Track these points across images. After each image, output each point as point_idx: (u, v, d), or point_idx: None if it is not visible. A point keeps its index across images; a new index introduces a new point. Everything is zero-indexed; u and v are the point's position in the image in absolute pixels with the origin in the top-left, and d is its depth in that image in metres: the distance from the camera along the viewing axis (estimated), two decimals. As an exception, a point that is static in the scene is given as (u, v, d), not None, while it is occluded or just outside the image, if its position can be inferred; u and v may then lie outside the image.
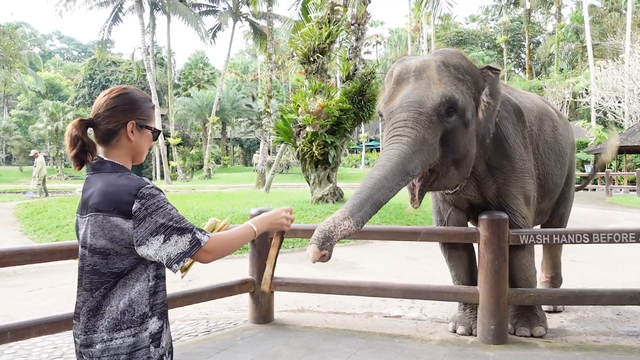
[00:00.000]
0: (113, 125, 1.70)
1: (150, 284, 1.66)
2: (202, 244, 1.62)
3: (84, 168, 1.73)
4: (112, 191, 1.60)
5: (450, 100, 3.07)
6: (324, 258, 2.46)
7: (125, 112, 1.72)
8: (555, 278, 4.94)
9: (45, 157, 25.78)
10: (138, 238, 1.57)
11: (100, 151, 1.73)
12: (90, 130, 1.73)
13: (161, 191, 1.66)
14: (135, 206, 1.56)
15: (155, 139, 1.85)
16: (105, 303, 1.60)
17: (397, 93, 3.23)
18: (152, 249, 1.57)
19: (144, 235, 1.56)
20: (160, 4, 33.09)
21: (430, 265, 6.82)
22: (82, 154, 1.67)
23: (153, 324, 1.65)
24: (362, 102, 11.40)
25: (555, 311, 4.60)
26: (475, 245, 3.92)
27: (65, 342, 3.97)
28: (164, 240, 1.57)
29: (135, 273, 1.63)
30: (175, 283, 3.56)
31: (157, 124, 1.92)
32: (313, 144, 11.11)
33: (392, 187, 2.83)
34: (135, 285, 1.63)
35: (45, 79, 50.76)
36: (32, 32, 64.01)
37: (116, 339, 1.58)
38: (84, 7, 30.05)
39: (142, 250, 1.58)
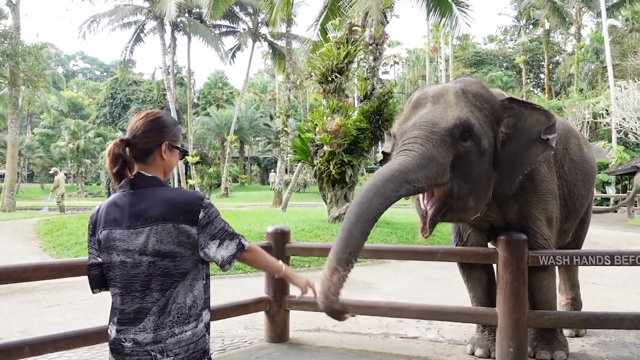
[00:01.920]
0: (150, 145, 1.95)
1: (204, 281, 1.93)
2: (245, 248, 1.94)
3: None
4: (180, 202, 1.85)
5: (465, 123, 3.03)
6: (343, 315, 2.49)
7: (160, 134, 1.98)
8: (575, 300, 4.84)
9: (65, 174, 26.20)
10: (201, 242, 1.85)
11: (136, 168, 1.94)
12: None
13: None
14: (201, 215, 1.84)
15: (182, 157, 2.11)
16: (172, 301, 1.82)
17: (412, 115, 3.22)
18: (212, 251, 1.86)
19: (205, 240, 1.85)
20: (181, 25, 33.66)
21: (448, 286, 6.74)
22: (122, 170, 1.90)
23: (206, 315, 1.92)
24: (380, 122, 11.42)
25: (577, 335, 4.50)
26: (495, 266, 3.87)
27: (82, 358, 3.99)
28: (219, 245, 1.86)
29: (195, 272, 1.88)
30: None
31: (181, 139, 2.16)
32: (330, 163, 11.12)
33: (387, 195, 2.74)
34: (195, 283, 1.88)
35: (68, 98, 51.84)
36: (56, 52, 65.50)
37: (186, 331, 1.82)
38: (107, 29, 30.61)
39: (204, 252, 1.86)
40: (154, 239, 1.80)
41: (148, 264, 1.81)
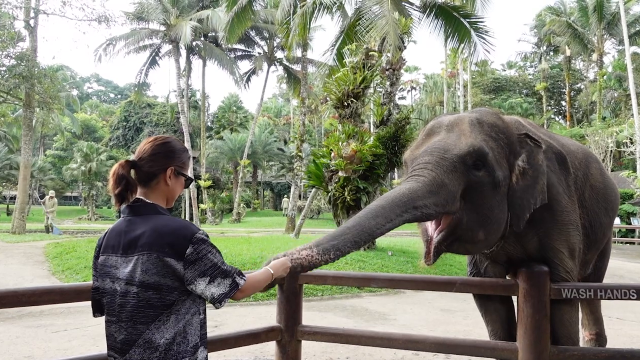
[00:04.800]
0: (155, 169, 1.94)
1: (201, 316, 1.89)
2: (240, 287, 1.88)
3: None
4: (168, 233, 1.80)
5: (479, 152, 3.01)
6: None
7: (167, 158, 1.97)
8: (599, 336, 4.73)
9: (76, 197, 26.38)
10: (188, 278, 1.79)
11: (139, 192, 1.93)
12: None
13: (207, 236, 1.89)
14: (188, 250, 1.78)
15: (187, 186, 2.08)
16: (159, 335, 1.77)
17: (425, 143, 3.21)
18: (200, 288, 1.80)
19: (193, 276, 1.79)
20: (196, 48, 34.27)
21: (465, 318, 6.65)
22: (125, 192, 1.89)
23: (201, 353, 1.87)
24: (396, 148, 11.44)
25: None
26: (514, 299, 3.81)
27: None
28: (209, 282, 1.80)
29: (185, 306, 1.82)
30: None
31: (189, 167, 2.13)
32: (345, 189, 11.13)
33: (391, 218, 2.73)
34: (186, 317, 1.82)
35: (81, 120, 52.69)
36: (72, 74, 66.87)
37: None
38: (123, 52, 31.23)
39: (191, 288, 1.81)
40: (140, 269, 1.77)
41: (134, 295, 1.78)
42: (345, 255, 2.66)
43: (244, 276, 1.92)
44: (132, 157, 1.98)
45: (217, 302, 1.82)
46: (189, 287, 1.80)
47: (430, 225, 3.13)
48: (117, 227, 1.91)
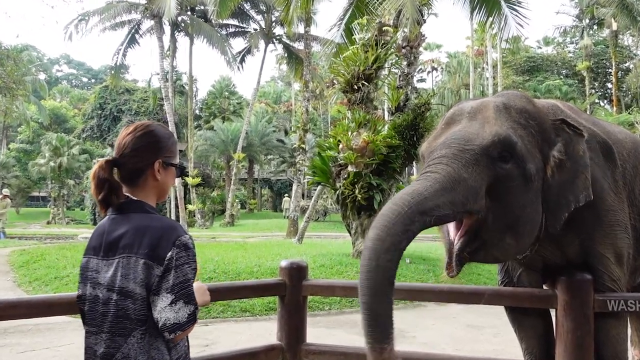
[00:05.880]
0: (141, 164, 1.94)
1: (183, 340, 1.89)
2: (195, 323, 1.82)
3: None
4: (150, 233, 1.80)
5: (505, 141, 2.97)
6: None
7: (152, 150, 1.96)
8: (652, 355, 4.74)
9: (44, 197, 26.46)
10: (156, 287, 1.77)
11: (125, 190, 1.93)
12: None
13: (194, 244, 1.88)
14: (169, 254, 1.78)
15: (180, 175, 2.10)
16: (136, 353, 1.76)
17: (444, 133, 3.19)
18: (160, 305, 1.76)
19: (162, 287, 1.76)
20: (182, 24, 34.28)
21: (495, 336, 6.65)
22: (109, 196, 1.89)
23: None
24: (415, 138, 11.40)
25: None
26: (552, 312, 3.81)
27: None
28: (171, 302, 1.75)
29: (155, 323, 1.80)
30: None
31: (177, 154, 2.13)
32: (356, 186, 11.12)
33: (395, 246, 2.66)
34: (159, 339, 1.81)
35: (50, 108, 52.89)
36: (38, 56, 67.07)
37: None
38: (97, 29, 31.21)
39: (152, 300, 1.77)
40: (120, 273, 1.78)
41: (115, 303, 1.79)
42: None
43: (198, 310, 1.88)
44: (108, 153, 1.99)
45: (167, 330, 1.76)
46: (151, 297, 1.77)
47: (452, 228, 3.10)
48: (100, 226, 1.93)
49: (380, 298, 2.60)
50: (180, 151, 35.79)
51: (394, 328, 2.58)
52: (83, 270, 1.91)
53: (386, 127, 11.98)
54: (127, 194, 1.92)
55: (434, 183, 2.82)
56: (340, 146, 11.44)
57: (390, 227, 2.67)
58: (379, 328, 2.56)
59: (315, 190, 20.08)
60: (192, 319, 1.80)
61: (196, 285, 2.03)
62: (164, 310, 1.75)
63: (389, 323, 2.58)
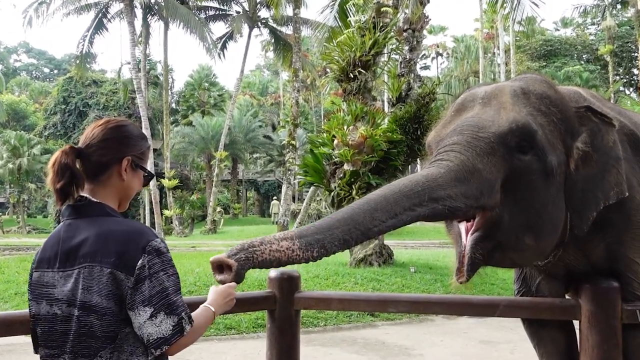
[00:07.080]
0: (107, 158, 1.91)
1: (149, 358, 1.81)
2: (184, 334, 1.79)
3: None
4: (116, 239, 1.77)
5: (524, 129, 2.94)
6: (228, 272, 2.16)
7: (122, 145, 1.95)
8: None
9: (2, 203, 26.49)
10: (130, 301, 1.74)
11: (85, 189, 1.89)
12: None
13: (167, 247, 1.85)
14: (140, 262, 1.74)
15: (147, 183, 2.08)
16: None
17: (454, 120, 3.17)
18: (138, 320, 1.74)
19: (136, 300, 1.73)
20: (156, 7, 34.22)
21: (512, 352, 6.67)
22: (69, 186, 1.84)
23: None
24: (418, 132, 11.40)
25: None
26: (575, 324, 3.82)
27: None
28: (151, 316, 1.73)
29: (130, 342, 1.78)
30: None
31: (149, 160, 2.07)
32: (353, 186, 11.12)
33: (395, 212, 2.64)
34: (137, 357, 1.78)
35: (7, 103, 52.71)
36: (-7, 44, 66.86)
37: None
38: (60, 13, 31.15)
39: (131, 315, 1.74)
40: (81, 285, 1.76)
41: (77, 319, 1.77)
42: (329, 256, 2.57)
43: (192, 320, 1.84)
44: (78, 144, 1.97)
45: (152, 346, 1.75)
46: (129, 312, 1.75)
47: (463, 231, 3.06)
48: (54, 234, 1.90)
49: (345, 228, 2.55)
50: (155, 150, 35.93)
51: (314, 255, 2.48)
52: (35, 286, 1.87)
53: (386, 120, 12.00)
54: (85, 195, 1.88)
55: (448, 171, 2.79)
56: (335, 142, 11.43)
57: (399, 198, 2.66)
58: (316, 235, 2.50)
59: (308, 192, 20.08)
60: (177, 331, 1.77)
61: (220, 289, 2.07)
62: (144, 326, 1.73)
63: (323, 244, 2.50)
